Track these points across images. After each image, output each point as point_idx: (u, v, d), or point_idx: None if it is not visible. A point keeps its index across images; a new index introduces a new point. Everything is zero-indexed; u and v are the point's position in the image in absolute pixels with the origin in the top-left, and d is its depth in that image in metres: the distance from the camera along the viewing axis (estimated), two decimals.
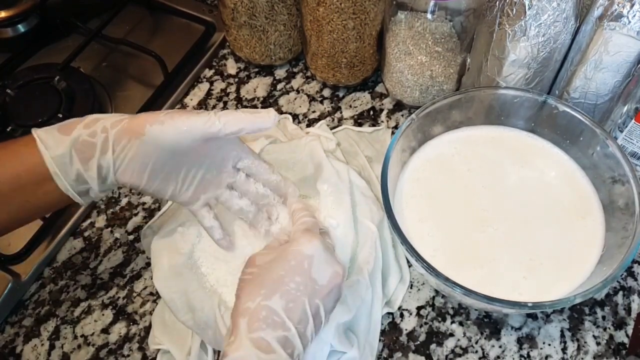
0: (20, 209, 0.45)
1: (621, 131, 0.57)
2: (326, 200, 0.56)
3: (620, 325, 0.56)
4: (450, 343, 0.56)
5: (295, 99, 0.74)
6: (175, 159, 0.46)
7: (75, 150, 0.43)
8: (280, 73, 0.77)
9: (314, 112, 0.73)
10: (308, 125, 0.72)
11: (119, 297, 0.60)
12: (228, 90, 0.76)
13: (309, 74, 0.76)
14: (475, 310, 0.57)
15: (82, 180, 0.44)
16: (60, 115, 0.69)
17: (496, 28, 0.56)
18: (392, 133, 0.70)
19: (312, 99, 0.74)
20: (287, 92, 0.75)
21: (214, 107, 0.74)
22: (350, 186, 0.58)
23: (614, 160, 0.54)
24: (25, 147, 0.43)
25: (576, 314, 0.57)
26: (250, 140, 0.61)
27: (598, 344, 0.55)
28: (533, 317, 0.57)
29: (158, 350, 0.56)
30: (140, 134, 0.44)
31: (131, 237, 0.64)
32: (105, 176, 0.45)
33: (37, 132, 0.44)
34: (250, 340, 0.40)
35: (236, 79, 0.77)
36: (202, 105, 0.74)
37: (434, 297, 0.58)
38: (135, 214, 0.66)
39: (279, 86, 0.76)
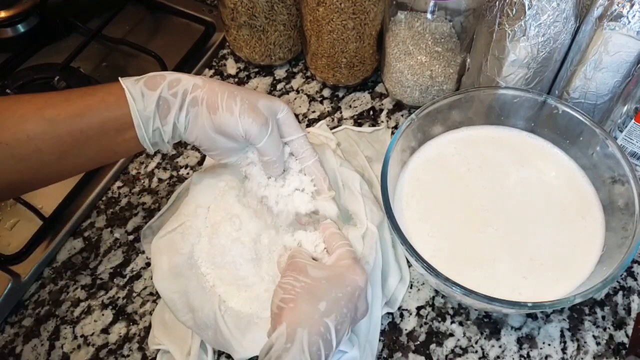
0: (100, 152, 0.49)
1: (621, 131, 0.58)
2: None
3: (620, 325, 0.56)
4: (450, 343, 0.56)
5: (295, 99, 0.74)
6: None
7: (157, 106, 0.47)
8: (280, 73, 0.77)
9: (313, 112, 0.73)
10: (308, 125, 0.72)
11: (118, 297, 0.60)
12: None
13: (308, 74, 0.76)
14: (475, 310, 0.57)
15: (158, 133, 0.48)
16: None
17: (496, 28, 0.56)
18: (392, 133, 0.70)
19: (312, 99, 0.74)
20: (287, 92, 0.75)
21: None
22: (362, 198, 0.58)
23: (613, 160, 0.54)
24: (112, 96, 0.47)
25: (576, 314, 0.57)
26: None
27: (598, 344, 0.55)
28: (533, 317, 0.57)
29: (158, 350, 0.56)
30: (213, 111, 0.48)
31: (131, 237, 0.64)
32: (176, 132, 0.49)
33: (125, 84, 0.47)
34: (310, 352, 0.42)
35: (236, 79, 0.77)
36: None
37: (434, 297, 0.58)
38: (135, 214, 0.66)
39: (279, 86, 0.76)
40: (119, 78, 0.47)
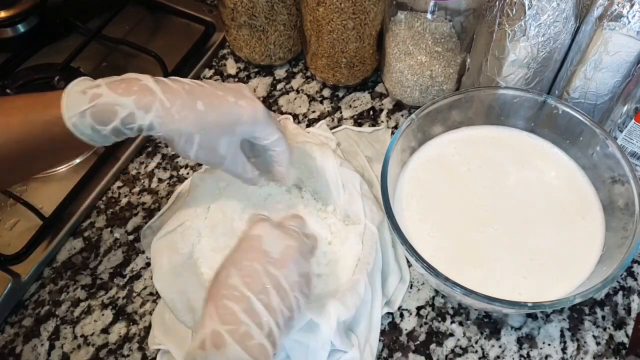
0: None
1: (621, 131, 0.57)
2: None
3: (620, 325, 0.56)
4: (450, 343, 0.56)
5: (295, 99, 0.74)
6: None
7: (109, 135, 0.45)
8: (280, 73, 0.77)
9: (313, 112, 0.73)
10: (308, 125, 0.72)
11: (118, 297, 0.60)
12: None
13: (308, 74, 0.76)
14: (475, 310, 0.57)
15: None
16: None
17: (496, 28, 0.56)
18: (392, 133, 0.70)
19: (312, 99, 0.74)
20: (287, 92, 0.75)
21: None
22: (362, 198, 0.58)
23: (613, 160, 0.54)
24: (56, 127, 0.43)
25: (576, 314, 0.57)
26: None
27: (598, 344, 0.55)
28: (533, 317, 0.57)
29: (158, 350, 0.56)
30: (172, 147, 0.47)
31: (131, 237, 0.64)
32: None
33: (71, 121, 0.43)
34: (218, 316, 0.41)
35: (236, 79, 0.77)
36: None
37: (434, 297, 0.58)
38: (135, 214, 0.66)
39: (279, 86, 0.76)
40: (62, 110, 0.42)
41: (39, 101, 0.44)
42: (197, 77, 0.77)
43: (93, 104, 0.43)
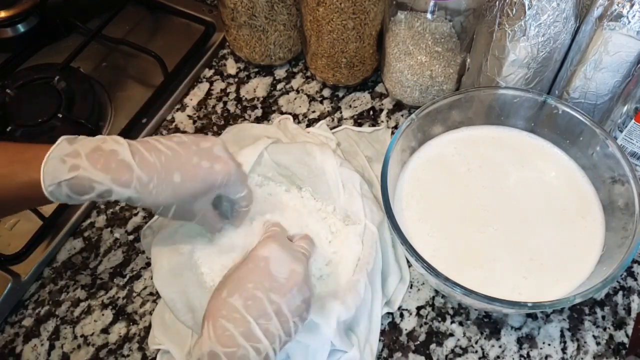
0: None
1: (621, 131, 0.57)
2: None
3: (620, 325, 0.56)
4: (450, 343, 0.56)
5: (295, 99, 0.74)
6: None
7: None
8: (280, 73, 0.77)
9: (313, 112, 0.73)
10: (308, 125, 0.71)
11: (118, 297, 0.60)
12: (228, 90, 0.76)
13: (308, 74, 0.76)
14: (475, 310, 0.57)
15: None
16: (60, 115, 0.69)
17: (496, 28, 0.56)
18: (392, 133, 0.70)
19: (312, 99, 0.74)
20: (287, 92, 0.75)
21: (213, 107, 0.74)
22: (362, 198, 0.58)
23: (613, 160, 0.54)
24: (31, 189, 0.44)
25: (576, 314, 0.57)
26: (252, 141, 0.61)
27: (598, 344, 0.55)
28: (533, 317, 0.57)
29: (158, 350, 0.56)
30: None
31: (131, 237, 0.64)
32: None
33: (49, 190, 0.43)
34: (216, 337, 0.42)
35: (236, 79, 0.77)
36: (202, 105, 0.74)
37: (434, 297, 0.58)
38: (135, 214, 0.66)
39: (279, 86, 0.76)
40: (41, 177, 0.42)
41: (20, 159, 0.43)
42: (197, 77, 0.77)
43: (71, 176, 0.42)
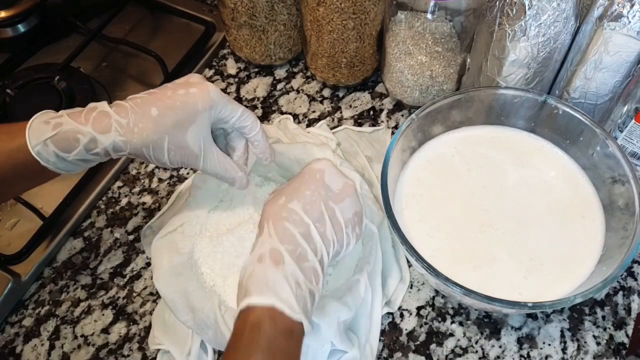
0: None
1: (621, 131, 0.57)
2: None
3: (620, 325, 0.56)
4: (450, 343, 0.56)
5: (295, 99, 0.74)
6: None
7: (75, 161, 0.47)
8: (280, 73, 0.77)
9: (314, 112, 0.73)
10: (308, 125, 0.72)
11: (119, 297, 0.60)
12: (228, 90, 0.76)
13: (309, 74, 0.76)
14: (475, 310, 0.57)
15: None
16: None
17: (496, 28, 0.56)
18: (392, 133, 0.70)
19: (312, 99, 0.74)
20: (287, 92, 0.75)
21: None
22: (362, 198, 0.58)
23: (614, 160, 0.54)
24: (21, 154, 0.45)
25: (576, 314, 0.57)
26: None
27: (598, 344, 0.55)
28: (533, 317, 0.57)
29: (158, 350, 0.56)
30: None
31: (131, 237, 0.64)
32: None
33: (36, 149, 0.44)
34: (277, 235, 0.44)
35: (236, 79, 0.77)
36: None
37: (434, 297, 0.58)
38: (135, 214, 0.66)
39: (279, 86, 0.76)
40: (26, 138, 0.44)
41: (5, 131, 0.46)
42: None
43: (55, 132, 0.44)
